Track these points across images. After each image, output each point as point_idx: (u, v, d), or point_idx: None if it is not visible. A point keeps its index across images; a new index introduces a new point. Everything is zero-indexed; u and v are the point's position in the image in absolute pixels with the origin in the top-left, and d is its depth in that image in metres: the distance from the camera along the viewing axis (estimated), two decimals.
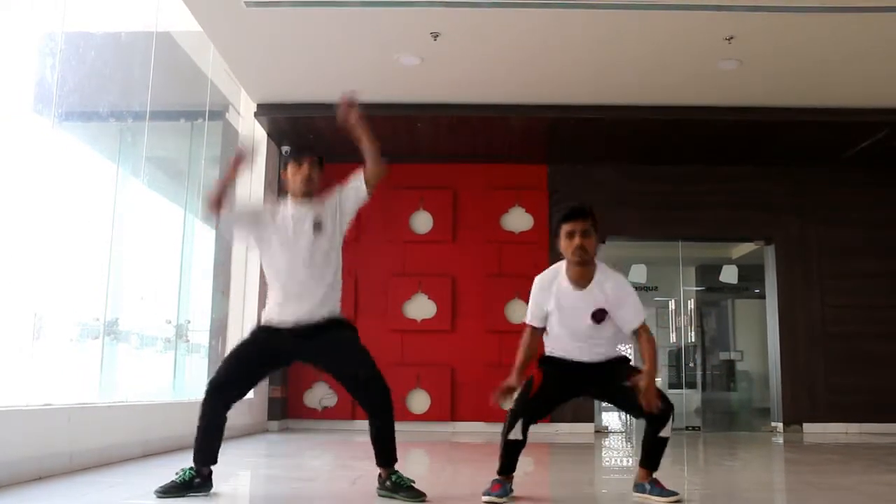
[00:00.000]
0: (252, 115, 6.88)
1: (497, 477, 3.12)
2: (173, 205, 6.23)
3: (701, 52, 5.62)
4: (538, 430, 7.20)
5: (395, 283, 7.67)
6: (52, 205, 4.08)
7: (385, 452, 3.13)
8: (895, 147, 7.26)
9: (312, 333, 3.12)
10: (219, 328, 6.71)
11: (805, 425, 7.56)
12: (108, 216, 4.87)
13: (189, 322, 5.98)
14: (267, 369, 3.38)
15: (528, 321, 3.32)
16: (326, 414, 7.49)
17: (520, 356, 3.27)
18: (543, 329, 3.28)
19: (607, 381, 3.20)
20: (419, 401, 7.47)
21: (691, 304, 9.08)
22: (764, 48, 5.54)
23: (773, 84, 6.19)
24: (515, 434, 3.09)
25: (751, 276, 9.71)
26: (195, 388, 6.13)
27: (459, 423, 7.45)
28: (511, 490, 3.11)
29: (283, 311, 3.14)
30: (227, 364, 3.20)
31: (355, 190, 3.32)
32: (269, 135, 7.12)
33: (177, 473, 3.07)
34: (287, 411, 7.45)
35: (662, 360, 9.85)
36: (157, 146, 5.64)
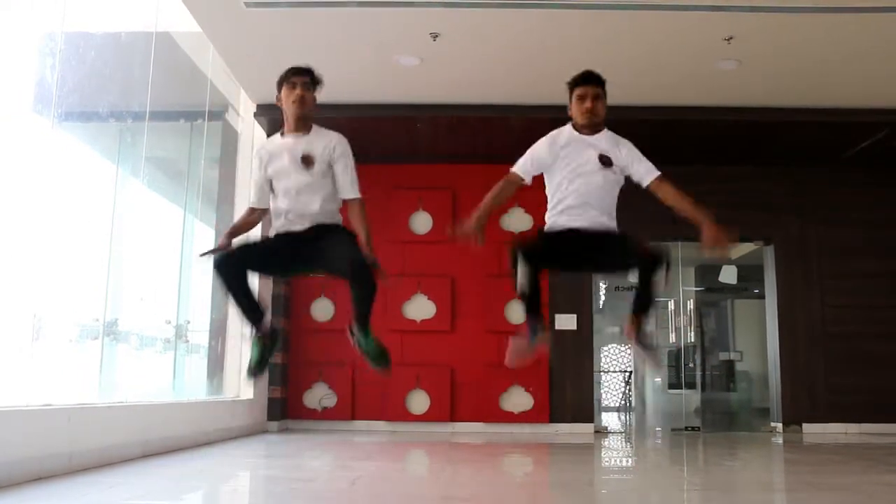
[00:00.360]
0: (252, 115, 6.88)
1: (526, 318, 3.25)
2: (173, 205, 6.23)
3: (700, 52, 5.62)
4: (538, 431, 7.19)
5: (395, 283, 7.66)
6: (51, 205, 4.08)
7: (358, 312, 3.23)
8: (894, 147, 7.27)
9: (313, 235, 3.24)
10: (218, 328, 6.71)
11: (805, 425, 7.56)
12: (107, 216, 4.87)
13: (189, 322, 5.98)
14: (267, 258, 3.40)
15: (514, 169, 3.35)
16: (326, 414, 7.48)
17: (488, 198, 3.33)
18: (523, 181, 3.30)
19: (608, 251, 3.26)
20: (419, 401, 7.47)
21: (691, 304, 9.08)
22: (763, 48, 5.54)
23: (772, 84, 6.20)
24: (522, 288, 3.15)
25: (750, 276, 9.72)
26: (195, 388, 6.14)
27: (459, 423, 7.45)
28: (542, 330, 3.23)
29: (284, 222, 3.27)
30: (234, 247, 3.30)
31: (343, 187, 3.38)
32: (268, 135, 7.11)
33: (251, 351, 3.20)
34: (287, 412, 7.45)
35: (661, 360, 9.86)
36: (156, 146, 5.64)
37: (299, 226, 3.26)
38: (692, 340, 9.16)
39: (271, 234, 3.36)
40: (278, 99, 3.36)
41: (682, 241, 8.48)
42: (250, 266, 3.27)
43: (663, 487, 3.92)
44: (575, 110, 3.25)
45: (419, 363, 7.50)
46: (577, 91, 3.26)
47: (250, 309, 3.19)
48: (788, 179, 7.92)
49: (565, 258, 3.33)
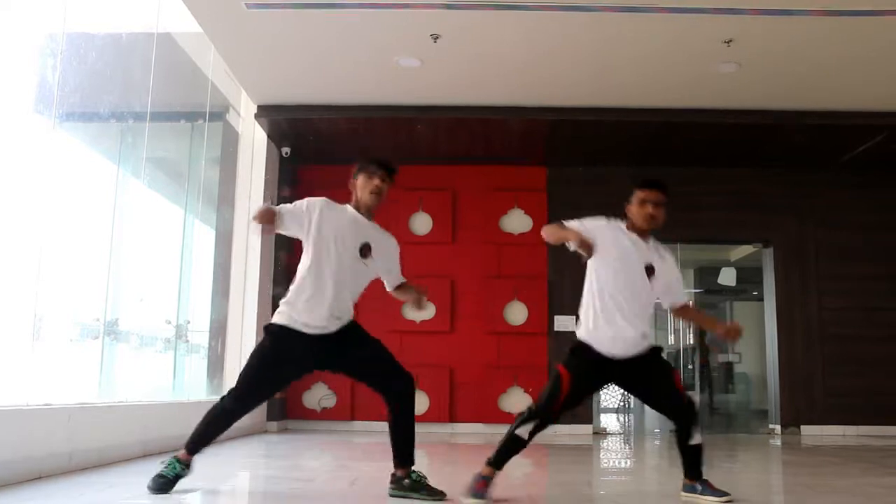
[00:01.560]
0: (252, 116, 6.89)
1: (483, 473, 3.06)
2: (173, 205, 6.24)
3: (700, 54, 5.63)
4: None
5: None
6: (52, 205, 4.09)
7: (407, 449, 3.13)
8: (893, 150, 7.28)
9: (333, 338, 3.14)
10: (218, 329, 6.72)
11: (803, 427, 7.58)
12: (108, 217, 4.88)
13: (189, 322, 5.98)
14: (288, 382, 3.36)
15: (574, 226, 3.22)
16: (325, 415, 7.49)
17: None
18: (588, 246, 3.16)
19: (642, 377, 3.20)
20: (418, 402, 7.40)
21: (690, 306, 9.10)
22: (763, 51, 5.56)
23: (771, 87, 6.21)
24: (523, 432, 3.07)
25: (749, 278, 9.74)
26: (194, 388, 6.14)
27: (458, 424, 7.46)
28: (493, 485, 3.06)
29: (313, 314, 3.10)
30: (254, 385, 3.17)
31: (388, 276, 3.39)
32: (269, 136, 7.13)
33: (162, 464, 3.11)
34: (286, 412, 7.46)
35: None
36: (157, 147, 5.65)
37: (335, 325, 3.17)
38: (691, 342, 9.17)
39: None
40: (352, 184, 3.30)
41: (680, 244, 8.49)
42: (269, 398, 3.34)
43: (662, 489, 3.93)
44: (635, 212, 3.24)
45: (418, 364, 7.49)
46: (640, 194, 3.22)
47: (207, 444, 3.19)
48: (787, 182, 7.93)
49: (594, 391, 3.33)
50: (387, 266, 3.34)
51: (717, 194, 7.86)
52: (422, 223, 7.84)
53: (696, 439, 3.15)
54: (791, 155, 7.57)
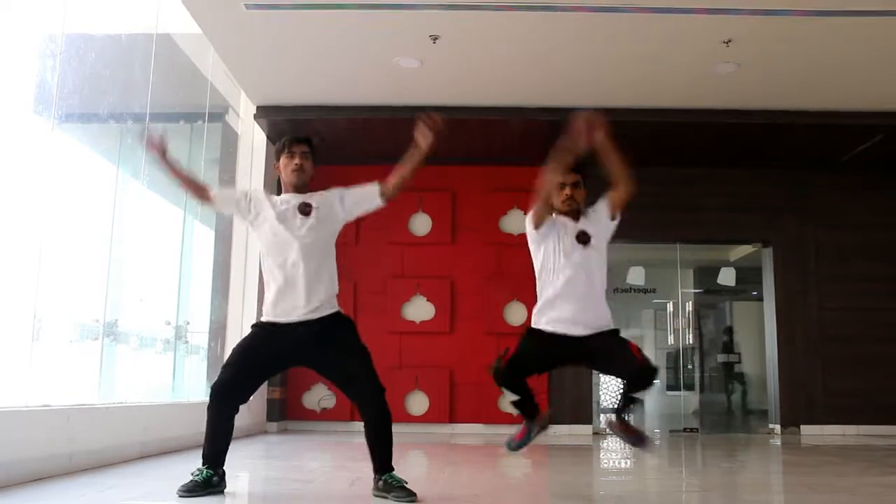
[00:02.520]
0: (252, 117, 6.89)
1: (524, 422, 3.31)
2: (173, 206, 6.23)
3: (699, 55, 5.64)
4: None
5: (394, 285, 7.67)
6: (52, 206, 4.09)
7: (379, 456, 3.12)
8: (892, 150, 7.29)
9: (311, 330, 3.12)
10: (218, 329, 6.72)
11: (802, 427, 7.58)
12: (107, 217, 4.87)
13: (188, 323, 5.98)
14: (270, 371, 3.36)
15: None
16: (325, 415, 7.49)
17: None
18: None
19: (595, 356, 3.31)
20: (418, 403, 7.48)
21: (689, 306, 9.09)
22: (762, 51, 5.56)
23: (771, 87, 6.21)
24: (512, 396, 3.26)
25: (749, 278, 9.73)
26: (194, 389, 6.14)
27: (458, 424, 7.46)
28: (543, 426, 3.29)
29: (280, 306, 3.14)
30: (231, 366, 3.17)
31: (367, 199, 3.30)
32: (268, 137, 7.13)
33: (193, 473, 3.08)
34: (286, 413, 7.45)
35: (661, 362, 9.87)
36: None
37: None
38: (690, 342, 9.16)
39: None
40: (276, 168, 3.33)
41: (680, 244, 8.50)
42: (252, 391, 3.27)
43: (662, 489, 3.93)
44: (555, 197, 3.40)
45: (418, 365, 7.51)
46: (560, 179, 3.41)
47: (218, 455, 3.14)
48: (787, 182, 7.93)
49: (550, 362, 3.45)
50: (352, 201, 3.29)
51: (717, 195, 7.86)
52: (421, 224, 7.84)
53: (640, 395, 3.27)
54: (790, 155, 7.58)
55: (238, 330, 6.75)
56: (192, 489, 3.01)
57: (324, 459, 4.98)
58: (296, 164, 3.24)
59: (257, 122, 6.89)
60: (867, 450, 6.01)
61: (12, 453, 3.28)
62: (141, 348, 5.54)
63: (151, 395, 5.45)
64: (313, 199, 3.26)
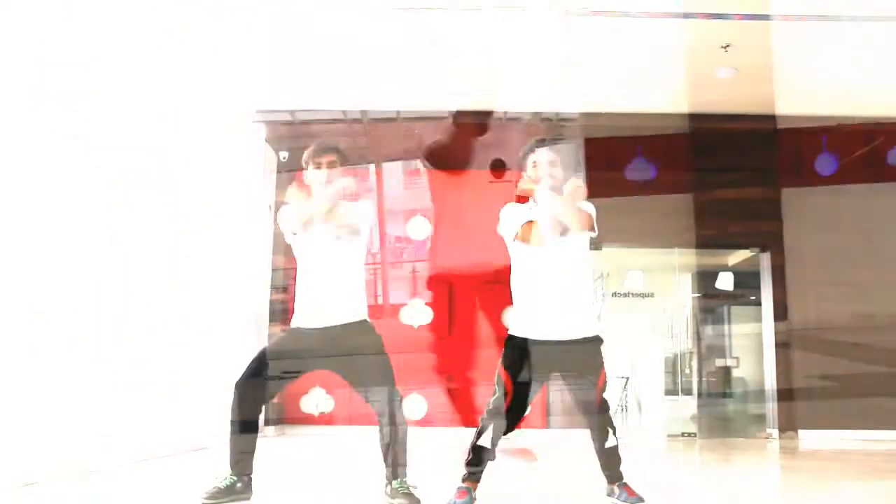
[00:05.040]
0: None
1: (462, 484, 3.10)
2: None
3: (698, 59, 5.65)
4: (535, 436, 7.04)
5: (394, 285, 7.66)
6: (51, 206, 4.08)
7: (391, 464, 3.15)
8: (891, 154, 7.29)
9: (336, 336, 3.14)
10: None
11: (800, 432, 7.57)
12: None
13: None
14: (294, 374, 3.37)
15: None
16: (323, 419, 7.47)
17: None
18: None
19: (573, 369, 3.16)
20: (417, 406, 7.45)
21: (687, 310, 9.09)
22: (760, 57, 5.57)
23: (769, 92, 6.23)
24: (485, 441, 3.10)
25: (747, 283, 9.73)
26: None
27: (458, 428, 7.43)
28: (475, 499, 3.07)
29: (312, 315, 3.18)
30: (254, 365, 3.20)
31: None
32: (266, 141, 7.12)
33: (218, 479, 3.07)
34: (283, 417, 7.43)
35: (659, 367, 9.87)
36: None
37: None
38: (688, 347, 9.16)
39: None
40: (303, 177, 3.29)
41: (678, 248, 8.50)
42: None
43: (659, 493, 3.92)
44: (531, 177, 3.28)
45: (417, 367, 7.49)
46: (532, 158, 3.39)
47: (245, 460, 3.13)
48: (785, 187, 7.93)
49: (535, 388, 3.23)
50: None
51: (714, 199, 7.86)
52: (421, 225, 7.82)
53: (611, 442, 3.11)
54: (789, 159, 7.59)
55: (238, 329, 6.73)
56: (215, 496, 3.00)
57: (322, 462, 4.97)
58: (324, 178, 3.18)
59: (256, 126, 6.88)
60: (865, 455, 6.01)
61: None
62: None
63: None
64: (346, 206, 3.22)
